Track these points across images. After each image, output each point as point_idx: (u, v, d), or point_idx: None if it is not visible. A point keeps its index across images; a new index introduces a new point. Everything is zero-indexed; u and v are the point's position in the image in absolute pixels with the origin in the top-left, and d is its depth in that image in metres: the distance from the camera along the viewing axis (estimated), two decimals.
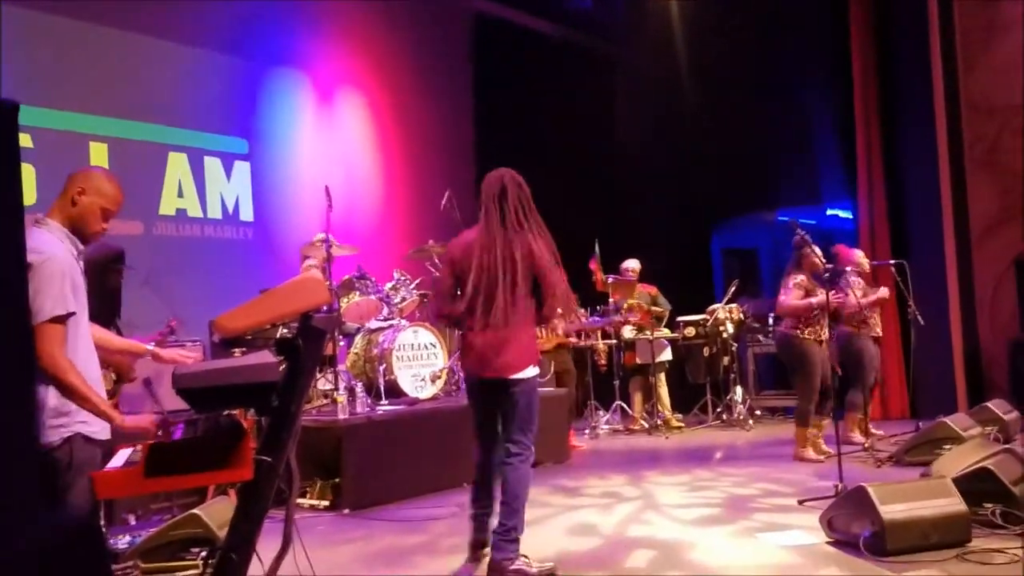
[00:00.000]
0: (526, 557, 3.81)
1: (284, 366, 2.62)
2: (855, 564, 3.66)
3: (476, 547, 4.06)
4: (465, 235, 4.04)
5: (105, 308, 4.38)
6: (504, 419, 3.94)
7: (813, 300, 6.12)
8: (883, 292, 7.04)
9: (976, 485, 4.03)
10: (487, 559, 3.91)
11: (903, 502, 3.73)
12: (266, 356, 2.40)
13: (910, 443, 5.95)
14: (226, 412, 2.69)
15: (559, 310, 3.92)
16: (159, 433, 2.70)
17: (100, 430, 2.80)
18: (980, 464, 4.15)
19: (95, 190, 2.89)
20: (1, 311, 1.51)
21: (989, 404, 6.57)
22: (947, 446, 5.36)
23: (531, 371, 3.87)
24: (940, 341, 8.09)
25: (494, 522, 3.91)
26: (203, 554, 3.83)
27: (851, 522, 3.85)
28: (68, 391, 2.68)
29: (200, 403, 2.43)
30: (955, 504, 3.80)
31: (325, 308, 6.08)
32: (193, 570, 3.95)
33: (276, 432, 2.68)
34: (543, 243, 3.88)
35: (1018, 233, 8.21)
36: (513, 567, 3.73)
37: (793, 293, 6.24)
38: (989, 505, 3.99)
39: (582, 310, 8.40)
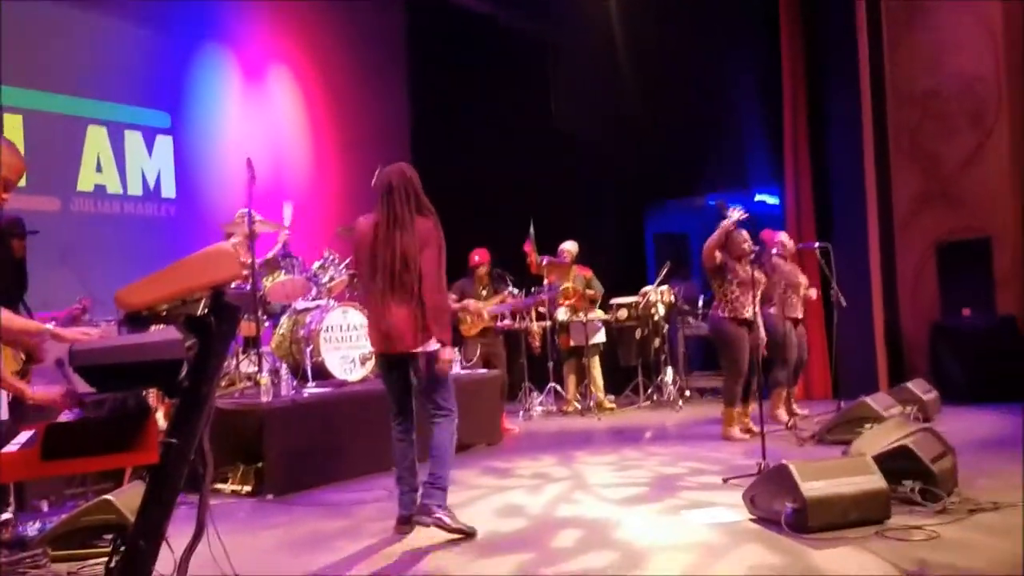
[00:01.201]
0: (450, 511, 4.14)
1: (194, 345, 2.50)
2: (777, 540, 3.70)
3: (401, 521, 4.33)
4: (362, 222, 4.39)
5: (10, 281, 4.15)
6: (419, 389, 4.30)
7: (725, 226, 6.20)
8: (812, 294, 7.24)
9: (896, 463, 4.10)
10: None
11: (824, 479, 3.78)
12: (171, 332, 2.28)
13: (832, 422, 6.08)
14: (136, 392, 2.57)
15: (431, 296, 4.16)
16: (70, 407, 2.56)
17: None
18: (899, 442, 4.22)
19: None
20: None
21: (909, 384, 6.76)
22: (868, 425, 5.46)
23: (432, 345, 4.18)
24: (862, 323, 8.30)
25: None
26: (117, 541, 3.67)
27: (773, 499, 3.89)
28: None
29: (101, 382, 2.29)
30: (875, 481, 3.87)
31: (243, 284, 5.92)
32: (103, 557, 3.78)
33: (186, 414, 2.56)
34: (426, 229, 4.18)
35: (939, 217, 8.45)
36: (437, 514, 4.08)
37: (719, 232, 6.28)
38: (908, 483, 4.06)
39: (515, 290, 8.38)
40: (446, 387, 4.28)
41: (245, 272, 6.12)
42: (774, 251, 6.94)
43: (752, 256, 5.94)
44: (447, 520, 4.09)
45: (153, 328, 3.48)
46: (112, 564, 2.65)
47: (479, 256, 8.26)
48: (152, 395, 4.82)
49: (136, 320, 2.35)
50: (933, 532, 3.65)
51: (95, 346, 2.25)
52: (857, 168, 8.60)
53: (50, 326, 2.96)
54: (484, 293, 8.28)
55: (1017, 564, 3.21)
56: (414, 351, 4.18)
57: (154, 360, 2.23)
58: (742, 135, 9.87)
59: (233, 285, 6.08)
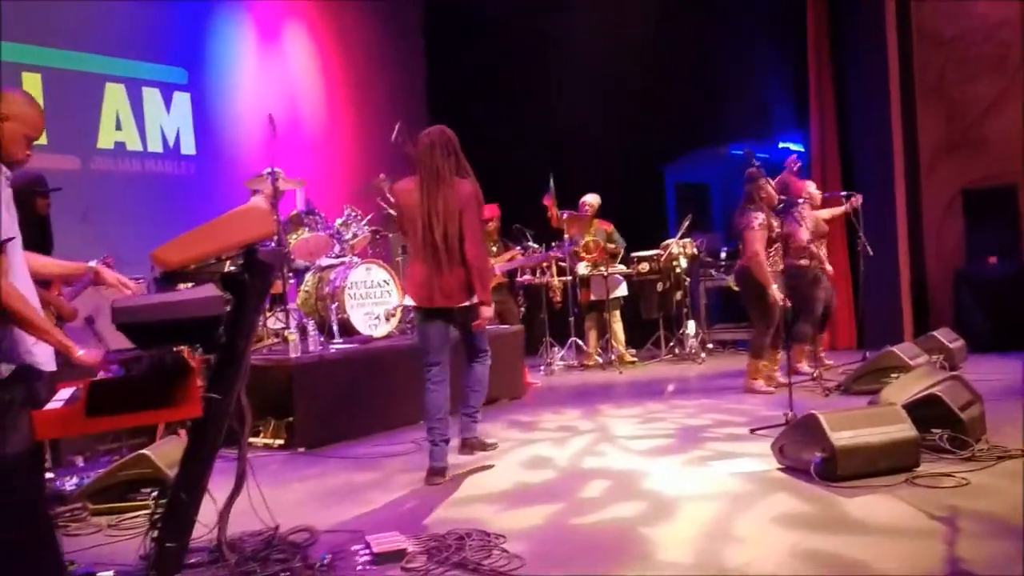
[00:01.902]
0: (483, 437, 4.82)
1: (230, 302, 2.53)
2: (806, 489, 3.73)
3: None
4: (404, 183, 4.54)
5: (36, 238, 4.18)
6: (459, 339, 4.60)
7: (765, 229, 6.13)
8: (838, 209, 7.16)
9: (924, 411, 4.10)
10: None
11: (853, 429, 3.79)
12: (210, 290, 2.31)
13: (858, 372, 6.06)
14: (172, 349, 2.60)
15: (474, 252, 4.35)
16: (105, 370, 2.59)
17: (45, 361, 2.67)
18: (928, 391, 4.22)
19: (17, 116, 2.71)
20: None
21: (935, 333, 6.72)
22: (894, 375, 5.45)
23: (471, 301, 4.40)
24: (888, 272, 8.23)
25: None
26: (153, 494, 3.75)
27: (802, 449, 3.91)
28: (21, 322, 2.53)
29: (142, 339, 2.32)
30: (904, 430, 3.87)
31: (272, 241, 5.96)
32: (142, 510, 3.87)
33: (224, 369, 2.61)
34: (467, 192, 4.35)
35: (964, 164, 8.33)
36: (478, 437, 4.77)
37: (758, 234, 6.20)
38: (937, 431, 4.07)
39: (533, 245, 8.38)
40: (483, 335, 4.61)
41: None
42: (801, 200, 6.84)
43: (780, 205, 5.87)
44: (486, 440, 4.80)
45: (181, 286, 3.51)
46: (156, 516, 2.71)
47: (488, 212, 8.23)
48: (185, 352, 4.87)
49: (171, 278, 2.37)
50: (963, 479, 3.67)
51: (137, 303, 2.27)
52: (882, 115, 8.46)
53: (92, 263, 2.96)
54: (494, 249, 8.29)
55: None
56: (455, 306, 4.38)
57: (194, 317, 2.26)
58: (765, 81, 9.70)
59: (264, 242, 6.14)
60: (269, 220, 2.46)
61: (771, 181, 6.22)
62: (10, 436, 2.45)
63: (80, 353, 2.66)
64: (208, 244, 2.41)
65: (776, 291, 6.17)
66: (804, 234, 6.66)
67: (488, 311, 4.44)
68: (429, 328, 4.48)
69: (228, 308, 2.41)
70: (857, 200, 7.17)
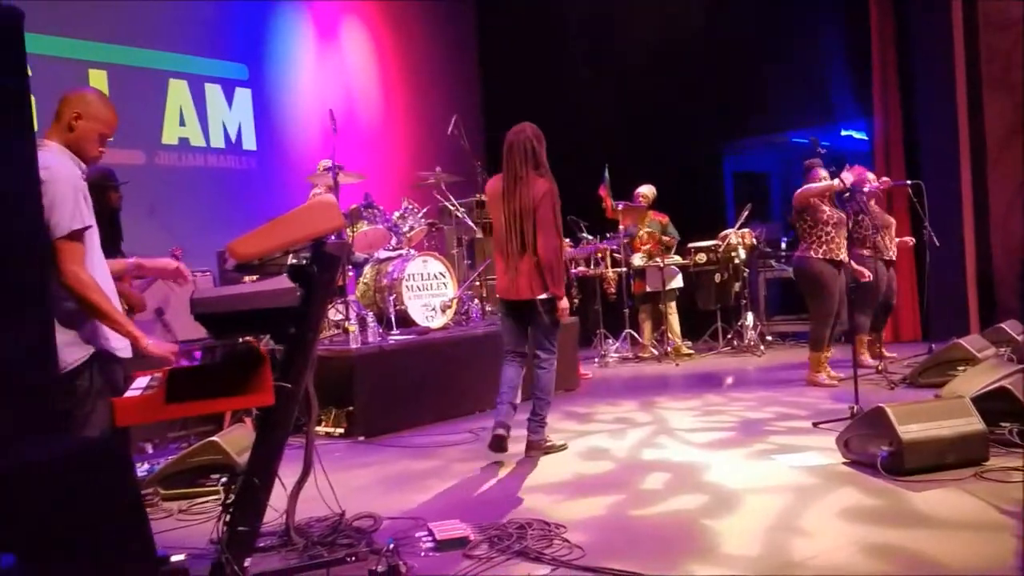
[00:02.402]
0: (549, 439, 4.85)
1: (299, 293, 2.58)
2: (872, 483, 3.68)
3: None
4: (492, 181, 4.80)
5: (107, 231, 4.32)
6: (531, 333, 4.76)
7: (831, 183, 6.05)
8: (909, 240, 7.08)
9: (993, 404, 4.01)
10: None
11: (921, 422, 3.72)
12: (283, 281, 2.36)
13: (924, 365, 5.94)
14: (242, 339, 2.67)
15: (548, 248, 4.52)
16: (178, 362, 2.68)
17: (123, 347, 2.77)
18: (997, 383, 4.13)
19: (92, 115, 2.81)
20: (17, 227, 1.45)
21: (1003, 325, 6.54)
22: (961, 367, 5.34)
23: (545, 295, 4.57)
24: (953, 263, 8.03)
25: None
26: (223, 480, 3.86)
27: (868, 443, 3.85)
28: (93, 309, 2.63)
29: (218, 329, 2.39)
30: (973, 423, 3.79)
31: (336, 234, 6.05)
32: (212, 496, 3.98)
33: (294, 359, 2.66)
34: (541, 189, 4.51)
35: None
36: (547, 443, 4.79)
37: (820, 185, 6.12)
38: (1006, 424, 3.98)
39: (588, 236, 8.38)
40: (555, 332, 4.72)
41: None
42: (866, 188, 6.71)
43: (846, 194, 5.76)
44: (554, 443, 4.83)
45: (246, 279, 3.60)
46: (228, 500, 2.78)
47: None
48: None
49: (246, 269, 2.43)
50: None
51: (214, 295, 2.34)
52: (947, 102, 8.23)
53: (134, 259, 3.09)
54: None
55: None
56: (529, 299, 4.59)
57: (267, 308, 2.31)
58: (827, 68, 9.48)
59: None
60: (338, 214, 2.50)
61: (826, 170, 6.13)
62: (93, 421, 2.55)
63: (149, 343, 2.75)
64: (280, 237, 2.46)
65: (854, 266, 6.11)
66: (868, 223, 6.54)
67: (564, 303, 4.59)
68: (507, 319, 4.77)
69: (298, 299, 2.46)
70: (884, 185, 7.00)
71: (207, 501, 4.00)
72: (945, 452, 3.70)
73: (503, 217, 4.59)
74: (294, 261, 2.73)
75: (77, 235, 2.61)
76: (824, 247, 6.14)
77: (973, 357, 5.50)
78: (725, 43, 9.52)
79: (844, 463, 4.03)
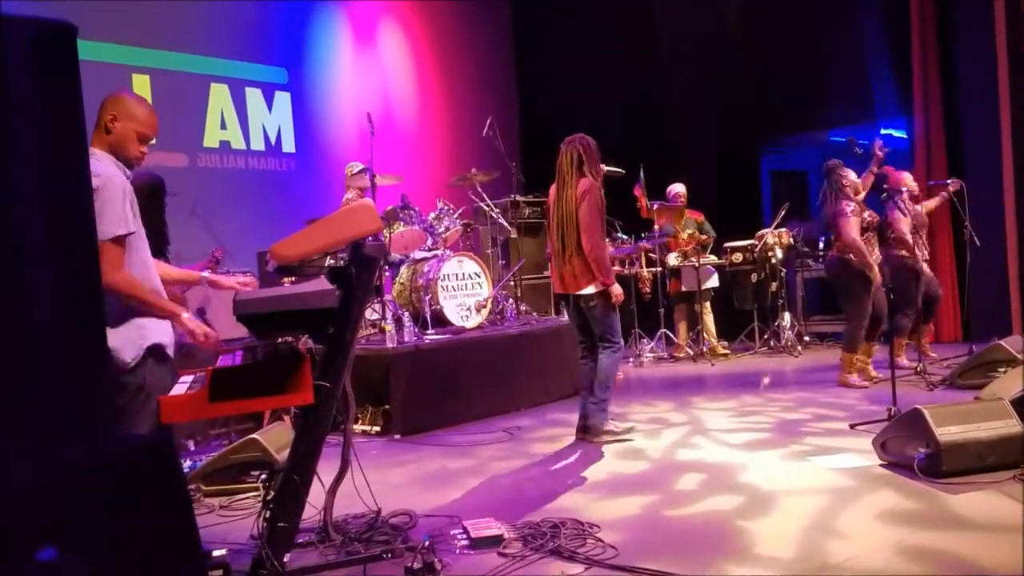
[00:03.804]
0: (615, 421, 5.11)
1: (338, 295, 2.64)
2: (910, 486, 3.65)
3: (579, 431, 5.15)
4: (552, 188, 5.13)
5: (154, 237, 4.44)
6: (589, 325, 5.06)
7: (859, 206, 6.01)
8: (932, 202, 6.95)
9: None
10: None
11: (959, 424, 3.68)
12: (323, 283, 2.42)
13: (964, 366, 5.86)
14: (283, 339, 2.73)
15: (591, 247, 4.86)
16: (207, 345, 2.77)
17: (169, 343, 2.87)
18: None
19: (127, 115, 2.89)
20: (72, 232, 1.52)
21: None
22: (1002, 368, 5.26)
23: (592, 287, 4.89)
24: (995, 262, 7.89)
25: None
26: (263, 476, 3.94)
27: (905, 444, 3.82)
28: (133, 301, 2.73)
29: (260, 329, 2.46)
30: (1012, 426, 3.74)
31: (373, 236, 6.14)
32: (252, 492, 4.07)
33: (333, 359, 2.72)
34: (581, 189, 4.84)
35: None
36: (605, 428, 5.02)
37: (852, 222, 6.05)
38: None
39: (624, 236, 8.39)
40: (610, 323, 4.96)
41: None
42: (903, 190, 6.64)
43: (883, 195, 5.71)
44: (615, 429, 5.05)
45: (285, 280, 3.68)
46: (269, 496, 2.84)
47: None
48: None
49: (288, 271, 2.49)
50: None
51: (258, 296, 2.40)
52: (991, 99, 8.08)
53: (206, 274, 3.18)
54: None
55: None
56: (577, 293, 4.93)
57: (308, 308, 2.37)
58: (867, 64, 9.35)
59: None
60: (376, 216, 2.55)
61: (851, 172, 6.09)
62: (142, 419, 2.64)
63: (187, 318, 2.85)
64: (321, 240, 2.52)
65: (878, 273, 6.03)
66: (905, 225, 6.46)
67: (616, 289, 4.87)
68: (567, 311, 5.23)
69: (337, 300, 2.52)
70: (955, 186, 6.91)
71: (248, 497, 4.08)
72: (984, 454, 3.66)
73: (554, 219, 4.99)
74: (331, 263, 2.79)
75: (120, 240, 2.70)
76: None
77: (1014, 358, 5.40)
78: (764, 40, 9.45)
79: (881, 465, 4.00)
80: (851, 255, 6.08)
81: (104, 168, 2.74)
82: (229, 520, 3.84)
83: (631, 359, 8.43)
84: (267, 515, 2.85)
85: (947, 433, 3.64)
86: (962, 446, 3.64)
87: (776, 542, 3.12)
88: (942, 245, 7.90)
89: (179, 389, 2.71)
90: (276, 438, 4.26)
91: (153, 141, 3.04)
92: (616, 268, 8.63)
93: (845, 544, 3.05)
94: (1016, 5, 8.08)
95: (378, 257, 2.75)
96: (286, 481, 2.80)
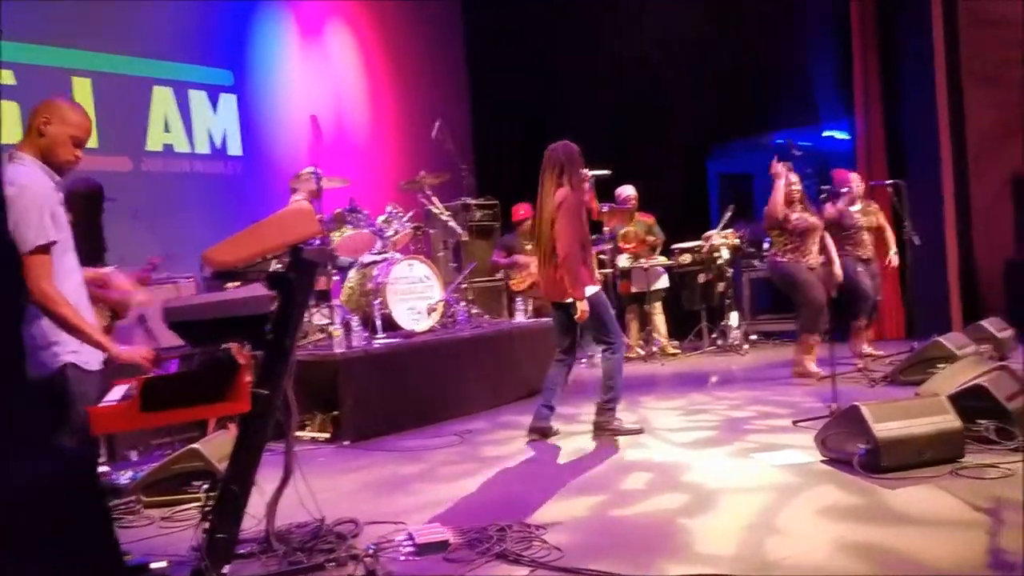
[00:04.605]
0: (620, 419, 5.14)
1: (277, 300, 2.60)
2: (850, 481, 3.71)
3: (530, 431, 5.19)
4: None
5: (89, 243, 4.34)
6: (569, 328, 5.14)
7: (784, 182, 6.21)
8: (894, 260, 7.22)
9: (970, 402, 4.05)
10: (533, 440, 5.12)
11: (897, 420, 3.76)
12: (258, 289, 2.38)
13: (905, 363, 5.99)
14: (222, 346, 2.69)
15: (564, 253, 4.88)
16: (153, 367, 2.69)
17: (91, 360, 2.79)
18: (974, 382, 4.16)
19: (60, 119, 2.83)
20: None
21: (984, 323, 6.60)
22: (941, 365, 5.38)
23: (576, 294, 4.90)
24: (936, 261, 8.09)
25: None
26: (204, 487, 3.87)
27: (845, 441, 3.89)
28: (59, 321, 2.66)
29: (193, 337, 2.41)
30: (949, 421, 3.83)
31: (317, 240, 6.08)
32: (195, 502, 3.99)
33: (271, 365, 2.68)
34: (557, 198, 4.91)
35: (1015, 150, 8.13)
36: (611, 426, 5.07)
37: (779, 192, 6.21)
38: (983, 422, 4.01)
39: None
40: (602, 324, 5.02)
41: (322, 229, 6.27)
42: (844, 190, 6.78)
43: (823, 195, 5.83)
44: (621, 426, 5.08)
45: (229, 285, 3.62)
46: (207, 508, 2.80)
47: (523, 211, 8.33)
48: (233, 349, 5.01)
49: (223, 277, 2.45)
50: (1008, 470, 3.63)
51: (187, 303, 2.36)
52: (929, 100, 8.29)
53: (107, 269, 3.11)
54: (529, 248, 8.36)
55: None
56: (563, 300, 5.00)
57: (243, 315, 2.33)
58: (810, 68, 9.53)
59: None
60: (314, 220, 2.52)
61: (791, 176, 6.24)
62: (62, 431, 2.56)
63: (119, 350, 2.77)
64: (256, 245, 2.48)
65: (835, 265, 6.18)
66: (848, 221, 6.61)
67: (582, 306, 4.85)
68: (552, 317, 5.33)
69: (275, 306, 2.48)
70: (885, 183, 7.06)
71: (189, 508, 4.00)
72: (921, 450, 3.74)
73: (537, 227, 5.09)
74: (279, 267, 2.75)
75: (43, 249, 2.64)
76: (790, 254, 6.25)
77: (953, 355, 5.55)
78: (710, 44, 9.57)
79: (823, 461, 4.06)
80: (781, 257, 6.22)
81: (22, 175, 2.67)
82: (170, 532, 3.76)
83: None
84: (206, 526, 2.80)
85: (885, 429, 3.71)
86: (900, 442, 3.72)
87: (718, 540, 3.15)
88: (884, 244, 8.05)
89: (112, 399, 2.65)
90: (219, 447, 4.19)
91: (93, 145, 2.97)
92: None
93: (785, 541, 3.09)
94: (953, 11, 8.30)
95: (318, 262, 2.72)
96: (224, 491, 2.75)
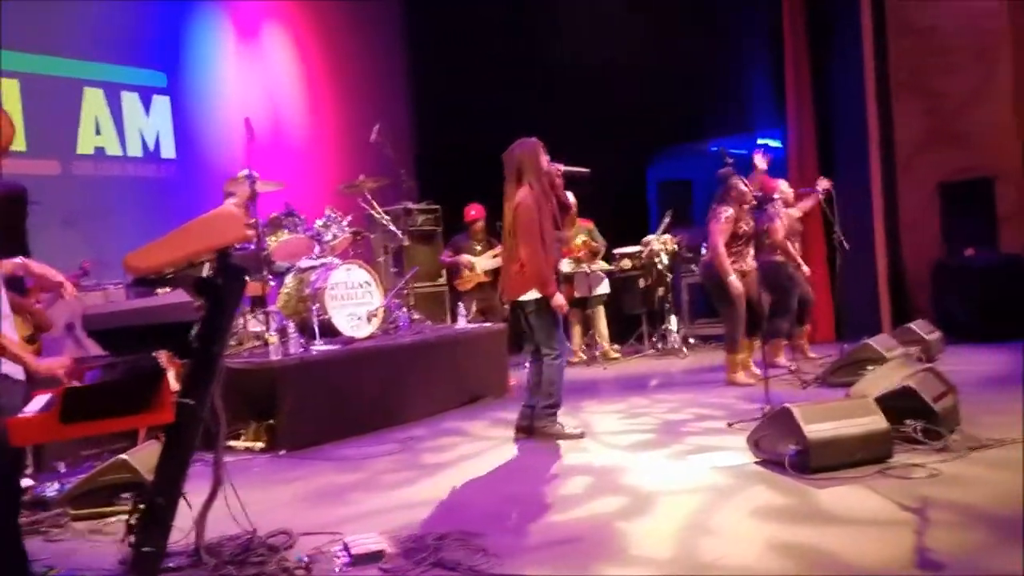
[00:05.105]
0: (560, 424, 5.14)
1: (203, 306, 2.54)
2: (781, 482, 3.78)
3: (517, 431, 5.25)
4: None
5: (10, 248, 4.20)
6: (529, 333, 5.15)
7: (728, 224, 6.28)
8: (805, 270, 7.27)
9: (898, 403, 4.15)
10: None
11: (827, 421, 3.84)
12: (181, 295, 2.32)
13: (835, 365, 6.12)
14: (149, 355, 2.62)
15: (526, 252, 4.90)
16: (71, 378, 2.60)
17: (13, 370, 2.69)
18: (902, 383, 4.27)
19: None
20: None
21: (912, 325, 6.80)
22: (871, 367, 5.51)
23: (531, 294, 4.95)
24: (865, 265, 8.30)
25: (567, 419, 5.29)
26: (136, 499, 3.76)
27: (777, 442, 3.96)
28: None
29: (114, 345, 2.34)
30: (877, 422, 3.92)
31: (252, 245, 5.97)
32: (123, 515, 3.87)
33: (198, 374, 2.62)
34: (517, 198, 4.91)
35: (942, 156, 8.40)
36: (552, 430, 5.08)
37: (722, 227, 6.30)
38: (911, 422, 4.11)
39: None
40: (546, 331, 5.04)
41: (250, 233, 6.15)
42: (776, 196, 6.92)
43: (754, 202, 5.93)
44: (563, 431, 5.08)
45: (160, 291, 3.54)
46: (132, 521, 2.72)
47: (475, 211, 8.34)
48: (163, 357, 4.89)
49: (144, 283, 2.38)
50: (935, 470, 3.73)
51: (106, 310, 2.29)
52: (859, 108, 8.52)
53: (19, 259, 3.00)
54: (479, 248, 8.38)
55: (1017, 499, 3.28)
56: (515, 301, 5.04)
57: (165, 322, 2.27)
58: (745, 77, 9.74)
59: (238, 246, 6.14)
60: (240, 224, 2.47)
61: (743, 179, 6.30)
62: None
63: (37, 363, 2.68)
64: (179, 249, 2.42)
65: (736, 282, 6.26)
66: (780, 230, 6.74)
67: (556, 300, 4.93)
68: (512, 320, 5.46)
69: (199, 313, 2.42)
70: (824, 184, 7.19)
71: (118, 521, 3.88)
72: (851, 450, 3.82)
73: (503, 232, 5.13)
74: (211, 273, 2.69)
75: None
76: (731, 259, 6.35)
77: (881, 357, 5.68)
78: (649, 52, 9.67)
79: (756, 462, 4.13)
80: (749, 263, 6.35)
81: None
82: (97, 545, 3.65)
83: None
84: (132, 539, 2.72)
85: (815, 430, 3.78)
86: (830, 442, 3.79)
87: (653, 542, 3.18)
88: (815, 249, 8.25)
89: (32, 409, 2.55)
90: (148, 458, 4.06)
91: (21, 148, 2.86)
92: None
93: (718, 541, 3.13)
94: (883, 20, 8.55)
95: (247, 267, 2.67)
96: (151, 504, 2.68)
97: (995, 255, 8.05)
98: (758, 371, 6.54)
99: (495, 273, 8.50)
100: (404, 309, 7.26)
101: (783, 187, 7.18)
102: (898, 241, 8.62)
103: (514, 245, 4.95)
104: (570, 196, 8.56)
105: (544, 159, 5.06)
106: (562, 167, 5.20)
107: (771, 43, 9.14)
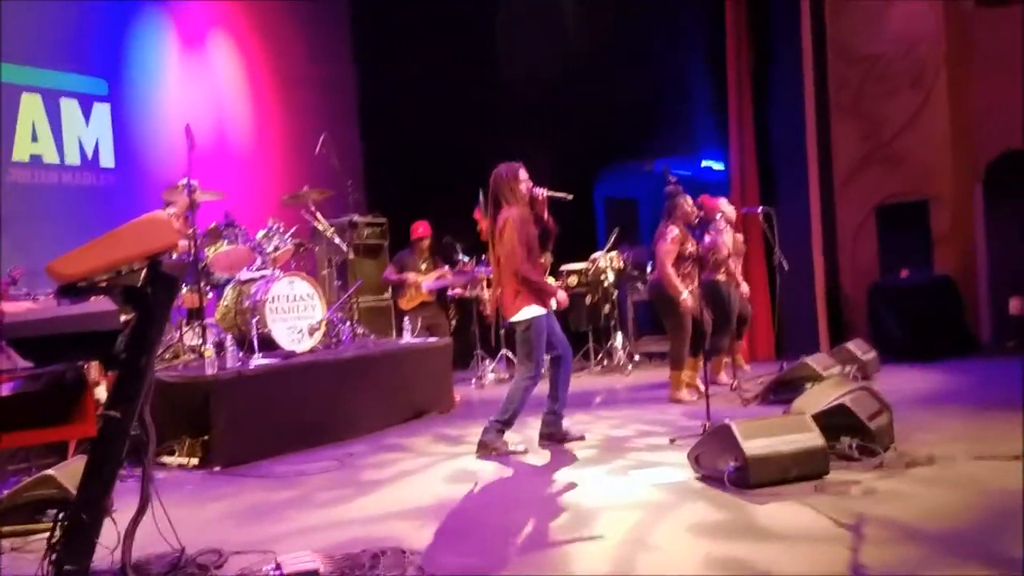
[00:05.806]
0: (505, 441, 5.16)
1: (131, 316, 2.47)
2: (720, 497, 3.80)
3: (540, 437, 5.37)
4: None
5: None
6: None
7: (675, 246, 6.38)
8: (745, 289, 7.37)
9: (834, 420, 4.22)
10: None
11: (765, 437, 3.88)
12: (106, 303, 2.24)
13: (774, 382, 6.21)
14: (74, 365, 2.52)
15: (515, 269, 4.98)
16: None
17: None
18: (837, 401, 4.34)
19: None
20: None
21: (848, 345, 6.93)
22: (808, 384, 5.59)
23: (522, 314, 5.02)
24: (804, 285, 8.46)
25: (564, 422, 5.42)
26: (59, 516, 3.62)
27: (716, 458, 3.98)
28: None
29: (36, 354, 2.24)
30: (813, 438, 3.98)
31: (188, 254, 5.84)
32: (48, 532, 3.73)
33: (125, 386, 2.54)
34: (501, 218, 5.01)
35: (879, 179, 8.63)
36: (495, 445, 5.10)
37: (670, 248, 6.36)
38: (846, 439, 4.19)
39: (465, 258, 8.45)
40: (525, 348, 5.14)
41: (182, 241, 6.01)
42: (718, 216, 7.03)
43: (696, 221, 6.02)
44: (505, 448, 5.11)
45: (94, 299, 3.42)
46: (55, 539, 2.62)
47: (422, 228, 8.31)
48: (94, 368, 4.74)
49: (71, 291, 2.30)
50: (870, 486, 3.78)
51: (28, 318, 2.20)
52: (799, 132, 8.72)
53: None
54: (424, 266, 8.35)
55: (950, 515, 3.36)
56: (510, 320, 5.16)
57: (89, 331, 2.19)
58: (690, 100, 9.90)
59: (175, 255, 5.99)
60: (170, 231, 2.40)
61: (689, 199, 6.39)
62: None
63: None
64: (106, 256, 2.34)
65: (688, 299, 6.33)
66: (724, 248, 6.83)
67: (560, 296, 5.15)
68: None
69: (124, 322, 2.35)
70: (761, 213, 7.31)
71: (42, 539, 3.72)
72: (788, 467, 3.87)
73: (490, 248, 5.20)
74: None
75: None
76: (684, 273, 6.42)
77: (818, 375, 5.79)
78: (596, 72, 9.77)
79: (696, 478, 4.15)
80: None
81: None
82: (21, 561, 3.50)
83: (473, 380, 8.43)
84: (53, 558, 2.62)
85: (753, 447, 3.82)
86: (768, 459, 3.83)
87: (593, 559, 3.16)
88: (756, 268, 8.39)
89: None
90: (75, 473, 3.91)
91: None
92: (458, 291, 8.68)
93: (656, 557, 3.13)
94: (822, 46, 8.77)
95: (177, 276, 2.60)
96: (74, 521, 2.58)
97: (929, 276, 8.28)
98: (702, 387, 6.61)
99: (440, 293, 8.49)
100: (347, 323, 7.16)
101: (724, 206, 7.29)
102: (836, 262, 8.82)
103: (500, 262, 5.05)
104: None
105: (525, 183, 5.14)
106: (546, 191, 5.22)
107: (714, 68, 9.31)
